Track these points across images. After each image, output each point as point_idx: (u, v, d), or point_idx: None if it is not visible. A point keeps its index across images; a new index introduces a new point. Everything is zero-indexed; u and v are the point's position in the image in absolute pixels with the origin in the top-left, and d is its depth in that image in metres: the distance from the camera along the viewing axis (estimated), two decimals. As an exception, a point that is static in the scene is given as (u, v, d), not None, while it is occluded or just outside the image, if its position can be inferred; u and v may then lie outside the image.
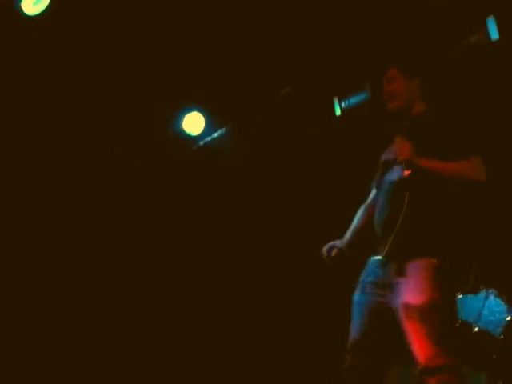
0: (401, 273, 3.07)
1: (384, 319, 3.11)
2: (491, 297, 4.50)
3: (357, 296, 3.26)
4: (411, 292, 3.00)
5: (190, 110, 6.11)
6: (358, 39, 4.98)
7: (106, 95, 5.59)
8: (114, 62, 5.37)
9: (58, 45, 5.12)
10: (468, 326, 4.41)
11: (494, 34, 4.48)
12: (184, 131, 6.13)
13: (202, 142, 6.33)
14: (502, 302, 4.47)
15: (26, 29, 4.73)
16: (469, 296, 4.58)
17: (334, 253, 3.40)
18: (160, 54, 5.50)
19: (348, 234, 3.49)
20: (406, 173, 3.06)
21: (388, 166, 3.30)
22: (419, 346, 2.95)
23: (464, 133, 3.13)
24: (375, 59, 4.72)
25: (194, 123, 6.13)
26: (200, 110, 6.12)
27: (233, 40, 5.39)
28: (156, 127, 6.01)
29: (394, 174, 3.22)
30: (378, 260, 3.19)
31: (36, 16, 4.61)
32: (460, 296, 4.60)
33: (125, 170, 5.97)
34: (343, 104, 5.62)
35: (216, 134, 6.27)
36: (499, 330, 4.38)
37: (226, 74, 5.71)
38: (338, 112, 5.64)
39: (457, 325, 4.27)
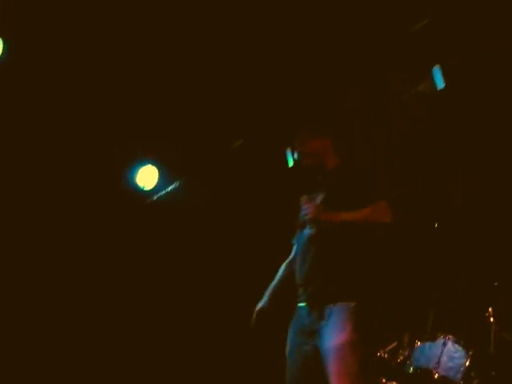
0: (322, 318, 3.28)
1: (314, 367, 3.26)
2: (449, 343, 4.49)
3: (288, 350, 3.44)
4: (332, 333, 3.21)
5: (143, 163, 6.08)
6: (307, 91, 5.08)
7: (60, 149, 5.54)
8: (67, 114, 5.35)
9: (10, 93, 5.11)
10: (428, 372, 4.37)
11: (440, 83, 4.60)
12: (137, 185, 6.08)
13: (155, 196, 6.28)
14: (460, 348, 4.46)
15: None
16: (427, 343, 4.56)
17: (253, 320, 3.60)
18: (112, 108, 5.51)
19: (266, 294, 3.67)
20: (314, 230, 3.37)
21: (303, 221, 3.49)
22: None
23: (371, 181, 3.39)
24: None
25: (147, 177, 6.09)
26: (154, 164, 6.09)
27: (184, 93, 5.44)
28: (109, 180, 5.94)
29: (308, 229, 3.46)
30: (303, 310, 3.40)
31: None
32: (419, 344, 4.59)
33: (77, 223, 5.86)
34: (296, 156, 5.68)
35: (170, 188, 6.24)
36: (459, 375, 4.36)
37: (179, 127, 5.74)
38: (290, 163, 5.68)
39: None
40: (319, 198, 3.46)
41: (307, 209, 3.32)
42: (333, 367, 3.17)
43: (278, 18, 4.50)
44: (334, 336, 3.21)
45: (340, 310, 3.24)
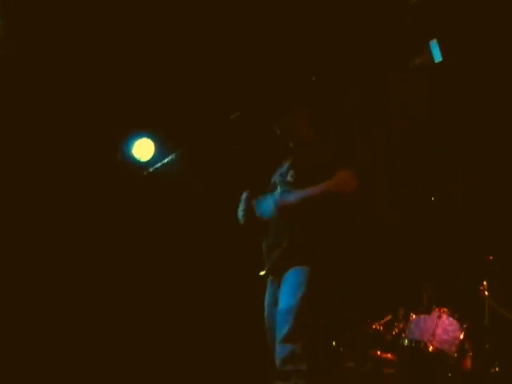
0: (280, 285, 3.32)
1: None
2: (444, 316, 4.54)
3: (266, 323, 3.45)
4: (283, 297, 3.24)
5: (139, 136, 6.05)
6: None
7: (56, 121, 5.50)
8: (62, 87, 5.31)
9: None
10: (423, 345, 4.42)
11: (438, 57, 4.57)
12: (134, 157, 6.06)
13: (151, 168, 6.26)
14: (454, 321, 4.51)
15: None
16: (422, 316, 4.60)
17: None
18: (109, 81, 5.47)
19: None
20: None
21: (272, 188, 3.57)
22: (278, 349, 3.12)
23: (336, 151, 3.41)
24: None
25: (143, 149, 6.07)
26: (150, 136, 6.06)
27: (180, 65, 5.40)
28: (105, 153, 5.92)
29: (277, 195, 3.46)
30: (269, 280, 3.46)
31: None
32: (414, 317, 4.63)
33: (74, 195, 5.85)
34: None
35: (166, 160, 6.21)
36: (453, 348, 4.41)
37: (176, 99, 5.70)
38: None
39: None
40: (286, 167, 3.52)
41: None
42: (279, 331, 3.15)
43: (277, 17, 4.45)
44: (284, 300, 3.21)
45: (293, 274, 3.26)
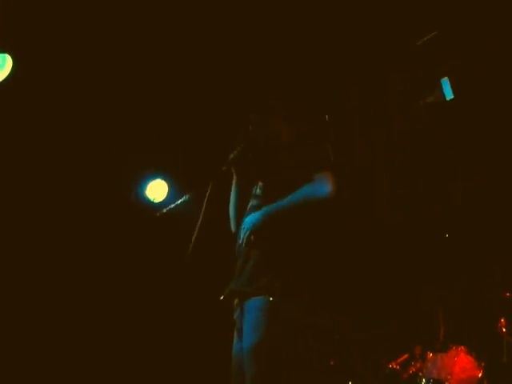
0: (243, 314, 3.01)
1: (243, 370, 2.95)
2: (462, 354, 4.48)
3: (234, 343, 3.14)
4: (247, 333, 2.91)
5: (153, 177, 6.10)
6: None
7: (70, 160, 5.57)
8: (77, 129, 5.39)
9: (20, 112, 5.14)
10: (440, 384, 4.37)
11: (449, 94, 4.62)
12: (147, 198, 6.10)
13: (165, 209, 6.29)
14: (472, 359, 4.45)
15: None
16: (439, 355, 4.55)
17: None
18: (123, 122, 5.54)
19: None
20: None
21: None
22: None
23: (313, 151, 3.09)
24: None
25: (157, 190, 6.11)
26: (163, 177, 6.11)
27: (194, 108, 5.47)
28: (119, 194, 5.97)
29: (247, 210, 3.21)
30: (235, 304, 3.13)
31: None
32: (431, 355, 4.58)
33: (89, 236, 5.88)
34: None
35: (179, 201, 6.24)
36: (472, 387, 4.35)
37: (189, 141, 5.76)
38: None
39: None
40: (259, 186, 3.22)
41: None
42: (248, 371, 2.84)
43: (281, 20, 4.48)
44: (249, 336, 2.89)
45: (255, 306, 2.94)
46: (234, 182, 3.43)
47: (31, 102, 5.15)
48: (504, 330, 4.47)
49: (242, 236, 3.13)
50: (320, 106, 4.48)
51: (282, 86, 4.72)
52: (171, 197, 6.16)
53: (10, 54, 4.78)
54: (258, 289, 2.96)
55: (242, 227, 3.09)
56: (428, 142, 4.87)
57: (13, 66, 4.80)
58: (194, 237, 3.27)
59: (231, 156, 3.34)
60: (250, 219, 3.04)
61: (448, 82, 4.55)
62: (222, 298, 3.13)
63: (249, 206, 3.23)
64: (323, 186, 2.93)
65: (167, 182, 6.12)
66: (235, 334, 3.13)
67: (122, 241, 6.06)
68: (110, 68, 5.08)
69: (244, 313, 3.00)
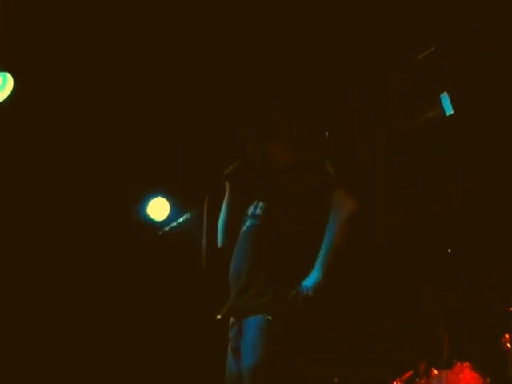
0: (241, 334, 2.98)
1: None
2: (466, 370, 4.44)
3: (227, 363, 3.12)
4: (246, 354, 2.90)
5: (154, 195, 6.10)
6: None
7: (71, 180, 5.58)
8: (79, 147, 5.41)
9: (21, 132, 5.15)
10: (445, 401, 4.33)
11: (449, 110, 4.62)
12: (149, 217, 6.10)
13: (167, 228, 6.29)
14: (477, 375, 4.41)
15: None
16: (444, 371, 4.51)
17: None
18: (125, 141, 5.55)
19: None
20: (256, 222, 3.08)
21: (245, 218, 3.25)
22: None
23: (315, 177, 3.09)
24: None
25: (158, 209, 6.11)
26: (165, 196, 6.11)
27: (195, 125, 5.48)
28: (121, 212, 5.97)
29: (245, 229, 3.18)
30: (231, 323, 3.09)
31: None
32: (435, 372, 4.54)
33: (89, 255, 5.88)
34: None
35: (181, 219, 6.25)
36: (477, 403, 4.31)
37: (190, 159, 5.77)
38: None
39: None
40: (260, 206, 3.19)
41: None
42: None
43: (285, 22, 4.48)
44: (248, 356, 2.87)
45: (254, 325, 2.91)
46: (226, 196, 3.43)
47: (32, 120, 5.17)
48: (509, 345, 4.43)
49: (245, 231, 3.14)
50: (319, 122, 4.47)
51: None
52: (173, 215, 6.17)
53: (10, 72, 4.81)
54: (257, 307, 2.93)
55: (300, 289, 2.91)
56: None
57: (14, 85, 4.82)
58: (203, 250, 3.19)
59: (227, 171, 3.36)
60: (309, 282, 2.89)
61: (447, 98, 4.55)
62: (219, 317, 3.10)
63: (247, 226, 3.20)
64: (346, 206, 2.96)
65: (169, 201, 6.12)
66: (229, 354, 3.10)
67: (125, 260, 6.06)
68: (110, 88, 5.11)
69: (242, 332, 2.98)
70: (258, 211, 3.17)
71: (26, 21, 4.57)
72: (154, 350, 6.06)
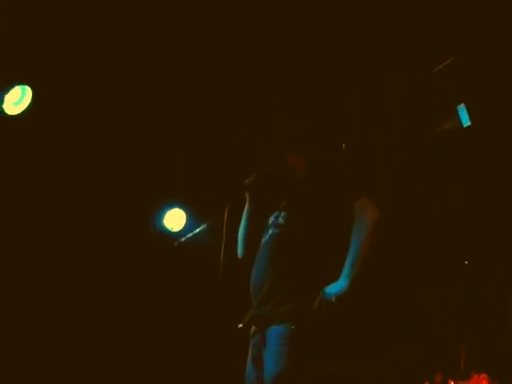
0: (264, 343, 2.98)
1: None
2: (483, 382, 4.43)
3: (246, 371, 3.14)
4: (268, 363, 2.90)
5: (171, 206, 6.14)
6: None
7: (87, 189, 5.62)
8: (96, 159, 5.45)
9: (39, 144, 5.20)
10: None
11: (466, 121, 4.63)
12: (165, 227, 6.13)
13: (183, 238, 6.32)
14: (494, 387, 4.41)
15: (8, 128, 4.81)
16: (461, 382, 4.51)
17: None
18: (142, 152, 5.59)
19: None
20: (276, 232, 3.11)
21: (266, 228, 3.27)
22: None
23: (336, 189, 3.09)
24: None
25: (175, 219, 6.14)
26: (181, 206, 6.15)
27: (212, 136, 5.51)
28: (137, 223, 6.00)
29: (267, 238, 3.19)
30: (253, 331, 3.10)
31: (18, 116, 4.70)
32: (452, 383, 4.54)
33: (106, 266, 5.91)
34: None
35: (197, 230, 6.27)
36: (494, 414, 4.30)
37: (207, 170, 5.80)
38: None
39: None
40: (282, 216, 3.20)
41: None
42: None
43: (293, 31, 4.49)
44: (270, 367, 2.88)
45: (277, 334, 2.91)
46: (246, 207, 3.45)
47: (49, 132, 5.21)
48: (526, 356, 4.44)
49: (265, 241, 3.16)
50: (334, 132, 4.49)
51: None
52: (189, 226, 6.20)
53: (29, 85, 4.85)
54: (280, 316, 2.94)
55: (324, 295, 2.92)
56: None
57: (32, 98, 4.86)
58: (221, 261, 3.21)
59: (246, 181, 3.38)
60: (334, 289, 2.90)
61: (464, 109, 4.56)
62: (240, 325, 3.11)
63: (269, 235, 3.21)
64: (370, 215, 2.95)
65: (185, 211, 6.15)
66: (249, 362, 3.11)
67: (141, 271, 6.09)
68: (127, 99, 5.15)
69: (265, 341, 2.97)
70: (280, 220, 3.19)
71: (42, 32, 4.61)
72: (171, 359, 6.07)
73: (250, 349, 3.13)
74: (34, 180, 5.43)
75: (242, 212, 3.50)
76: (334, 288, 2.88)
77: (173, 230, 6.17)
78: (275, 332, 2.92)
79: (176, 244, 6.34)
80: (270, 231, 3.20)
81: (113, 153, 5.56)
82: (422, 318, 4.82)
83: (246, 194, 3.44)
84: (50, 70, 4.80)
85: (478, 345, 4.64)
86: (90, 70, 4.86)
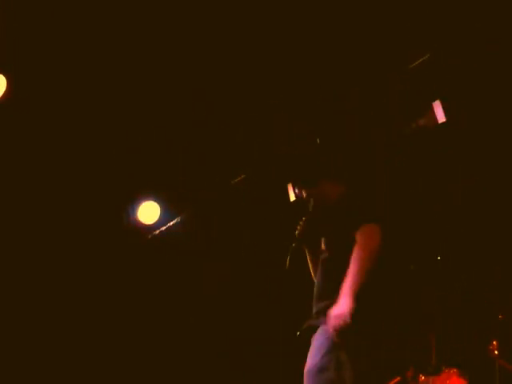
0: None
1: None
2: (454, 377, 4.46)
3: None
4: (309, 357, 3.05)
5: (145, 199, 6.10)
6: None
7: (62, 181, 5.56)
8: (71, 150, 5.39)
9: (12, 133, 5.14)
10: (433, 407, 4.34)
11: (441, 117, 4.65)
12: (139, 220, 6.09)
13: (157, 231, 6.29)
14: (464, 382, 4.43)
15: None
16: (431, 377, 4.53)
17: None
18: (116, 145, 5.55)
19: None
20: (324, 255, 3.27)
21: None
22: None
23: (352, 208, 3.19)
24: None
25: (149, 212, 6.11)
26: (155, 199, 6.11)
27: (185, 129, 5.49)
28: (111, 216, 5.95)
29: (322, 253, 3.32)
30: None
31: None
32: (423, 378, 4.55)
33: (81, 259, 5.86)
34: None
35: (171, 223, 6.24)
36: (464, 409, 4.33)
37: (180, 163, 5.78)
38: (292, 198, 5.68)
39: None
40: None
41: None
42: None
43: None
44: (308, 360, 3.05)
45: (319, 333, 3.08)
46: (307, 255, 3.55)
47: (24, 121, 5.16)
48: (496, 352, 4.46)
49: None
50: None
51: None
52: (163, 219, 6.17)
53: (3, 74, 4.80)
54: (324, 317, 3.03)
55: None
56: (427, 141, 4.88)
57: (7, 87, 4.81)
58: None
59: (296, 232, 3.46)
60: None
61: (440, 105, 4.59)
62: (298, 333, 3.23)
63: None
64: (367, 242, 3.06)
65: (159, 204, 6.11)
66: None
67: (115, 264, 6.05)
68: (101, 90, 5.10)
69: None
70: (323, 245, 3.35)
71: (22, 22, 4.57)
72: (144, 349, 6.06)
73: None
74: (8, 168, 5.37)
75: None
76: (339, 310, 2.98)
77: (146, 223, 6.14)
78: (318, 332, 3.09)
79: (150, 237, 6.31)
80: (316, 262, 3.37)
81: (88, 145, 5.51)
82: (394, 314, 4.82)
83: (303, 246, 3.52)
84: (25, 58, 4.75)
85: (448, 340, 4.67)
86: (65, 57, 4.81)
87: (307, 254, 3.54)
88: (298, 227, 3.47)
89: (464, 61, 4.26)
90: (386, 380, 4.70)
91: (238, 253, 5.99)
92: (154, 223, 6.18)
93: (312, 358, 3.03)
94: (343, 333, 2.94)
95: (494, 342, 4.49)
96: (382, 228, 3.09)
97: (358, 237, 3.08)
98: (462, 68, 4.32)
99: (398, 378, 4.69)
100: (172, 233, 6.19)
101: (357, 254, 3.05)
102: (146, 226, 6.16)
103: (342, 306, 2.96)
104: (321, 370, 2.97)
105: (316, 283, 3.34)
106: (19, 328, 5.63)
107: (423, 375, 4.56)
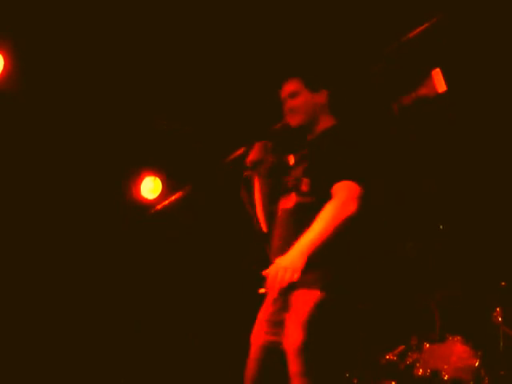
0: (287, 308, 2.90)
1: (276, 361, 2.90)
2: (458, 344, 4.50)
3: (252, 337, 3.08)
4: (291, 329, 2.83)
5: (147, 174, 6.10)
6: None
7: (63, 160, 5.56)
8: (69, 128, 5.38)
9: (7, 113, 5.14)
10: (438, 374, 4.38)
11: (441, 87, 4.62)
12: (141, 195, 6.10)
13: (159, 206, 6.30)
14: (468, 348, 4.47)
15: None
16: (436, 344, 4.57)
17: None
18: (118, 120, 5.54)
19: None
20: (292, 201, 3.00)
21: (285, 192, 3.13)
22: None
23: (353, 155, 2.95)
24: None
25: (151, 188, 6.11)
26: (157, 175, 6.11)
27: (188, 105, 5.47)
28: (113, 191, 5.96)
29: (287, 202, 3.06)
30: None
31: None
32: (427, 345, 4.59)
33: (81, 233, 5.87)
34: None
35: (173, 198, 6.25)
36: (469, 376, 4.37)
37: (183, 139, 5.77)
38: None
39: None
40: (301, 170, 3.07)
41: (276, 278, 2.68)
42: (291, 367, 2.81)
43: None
44: (294, 332, 2.82)
45: (303, 301, 2.84)
46: (258, 184, 3.32)
47: (22, 101, 5.14)
48: (500, 319, 4.49)
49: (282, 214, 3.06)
50: None
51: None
52: (165, 194, 6.18)
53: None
54: (309, 281, 2.81)
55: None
56: (427, 140, 4.88)
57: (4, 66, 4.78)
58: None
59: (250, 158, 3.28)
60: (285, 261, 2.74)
61: (440, 74, 4.55)
62: (262, 290, 2.89)
63: (295, 203, 3.04)
64: (347, 204, 2.80)
65: (161, 179, 6.11)
66: (267, 325, 3.04)
67: (116, 239, 6.07)
68: (101, 69, 5.08)
69: (289, 306, 2.89)
70: (304, 187, 3.06)
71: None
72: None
73: (263, 313, 3.09)
74: (4, 151, 5.37)
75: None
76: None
77: (149, 198, 6.14)
78: (303, 297, 2.85)
79: (152, 212, 6.33)
80: (295, 198, 3.06)
81: (88, 121, 5.50)
82: (396, 283, 4.86)
83: (255, 173, 3.30)
84: (19, 39, 4.72)
85: (452, 308, 4.70)
86: (55, 37, 4.78)
87: (261, 189, 3.27)
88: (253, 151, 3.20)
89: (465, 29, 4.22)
90: (390, 348, 4.77)
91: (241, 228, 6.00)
92: (156, 198, 6.18)
93: (302, 331, 2.81)
94: (286, 289, 2.70)
95: (498, 309, 4.52)
96: (365, 191, 2.86)
97: (339, 191, 2.84)
98: (464, 36, 4.28)
99: (402, 347, 4.74)
100: (174, 208, 6.20)
101: (331, 211, 2.78)
102: (148, 201, 6.15)
103: (296, 259, 2.69)
104: (307, 346, 2.79)
105: (280, 232, 3.04)
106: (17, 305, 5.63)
107: (427, 343, 4.60)
